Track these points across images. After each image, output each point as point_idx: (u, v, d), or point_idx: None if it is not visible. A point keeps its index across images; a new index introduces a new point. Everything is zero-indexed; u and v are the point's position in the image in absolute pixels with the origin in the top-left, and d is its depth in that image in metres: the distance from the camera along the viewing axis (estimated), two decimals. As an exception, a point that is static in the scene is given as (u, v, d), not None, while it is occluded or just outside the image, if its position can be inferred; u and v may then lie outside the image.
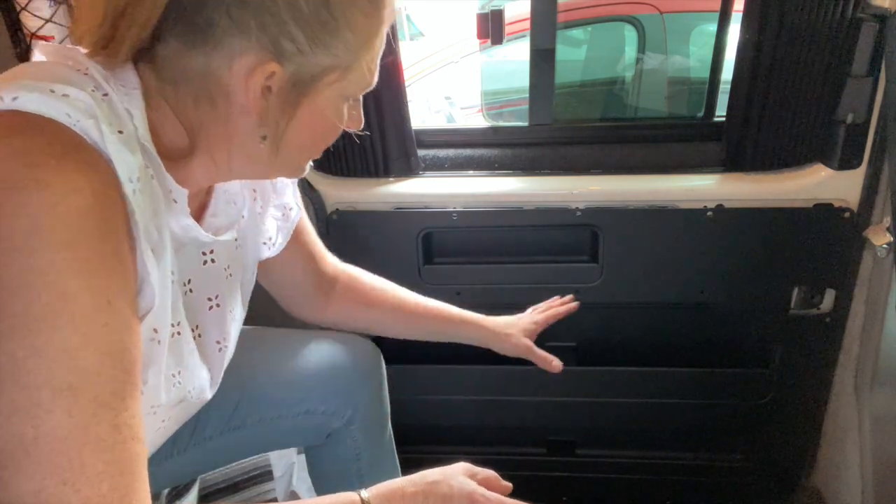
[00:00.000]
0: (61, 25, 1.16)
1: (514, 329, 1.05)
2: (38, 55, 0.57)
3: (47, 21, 1.14)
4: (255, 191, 0.78)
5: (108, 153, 0.50)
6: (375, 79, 0.62)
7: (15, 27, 1.18)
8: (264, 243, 0.81)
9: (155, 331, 0.58)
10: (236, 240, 0.76)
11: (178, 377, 0.65)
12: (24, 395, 0.43)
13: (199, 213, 0.69)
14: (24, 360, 0.43)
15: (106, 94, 0.52)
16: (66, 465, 0.44)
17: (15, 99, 0.47)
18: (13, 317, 0.43)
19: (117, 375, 0.48)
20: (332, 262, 0.99)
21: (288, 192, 0.83)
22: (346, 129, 0.65)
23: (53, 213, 0.45)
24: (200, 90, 0.56)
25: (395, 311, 1.01)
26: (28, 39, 1.17)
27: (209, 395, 0.74)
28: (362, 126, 0.67)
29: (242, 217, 0.76)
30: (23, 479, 0.43)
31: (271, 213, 0.82)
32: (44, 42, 0.58)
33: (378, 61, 0.62)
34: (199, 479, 1.23)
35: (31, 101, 0.48)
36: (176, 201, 0.59)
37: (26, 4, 1.13)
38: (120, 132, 0.52)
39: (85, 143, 0.49)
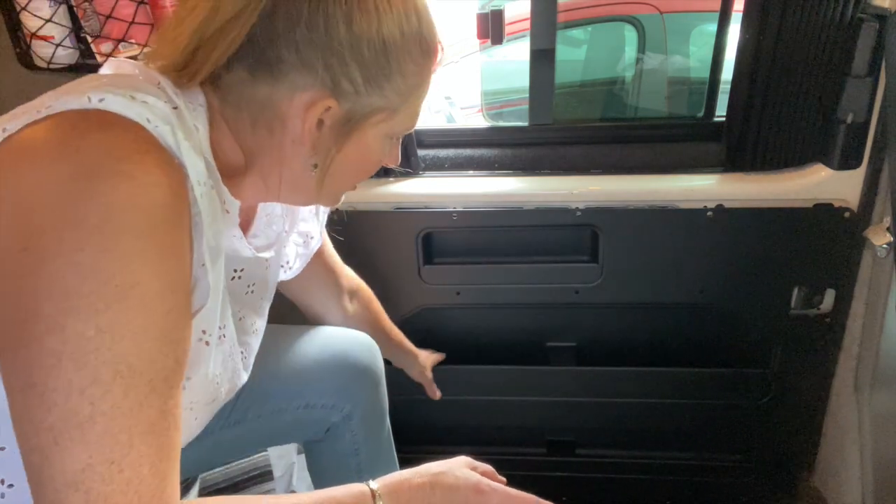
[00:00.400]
0: (61, 25, 1.16)
1: (427, 363, 1.24)
2: (106, 69, 0.61)
3: (47, 21, 1.14)
4: (285, 216, 0.82)
5: (181, 157, 0.53)
6: (417, 123, 0.68)
7: (15, 27, 1.18)
8: (282, 266, 0.85)
9: (204, 331, 0.60)
10: (267, 259, 0.79)
11: (217, 377, 0.68)
12: (85, 374, 0.45)
13: (242, 232, 0.72)
14: (90, 339, 0.45)
15: (176, 108, 0.56)
16: (114, 444, 0.45)
17: (102, 100, 0.50)
18: (84, 296, 0.45)
19: (170, 364, 0.50)
20: (349, 275, 1.06)
21: (313, 221, 0.89)
22: (385, 165, 0.71)
23: (134, 203, 0.47)
24: (260, 116, 0.60)
25: (385, 334, 1.12)
26: (28, 39, 1.17)
27: (235, 391, 0.77)
28: (399, 163, 0.72)
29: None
30: (70, 456, 0.44)
31: (293, 238, 0.86)
32: (113, 58, 0.64)
33: (422, 106, 0.67)
34: (200, 479, 1.23)
35: (116, 104, 0.51)
36: (228, 212, 0.63)
37: (26, 4, 1.13)
38: (188, 141, 0.55)
39: (161, 147, 0.52)
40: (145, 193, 0.48)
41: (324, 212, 0.92)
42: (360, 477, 1.00)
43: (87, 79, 0.56)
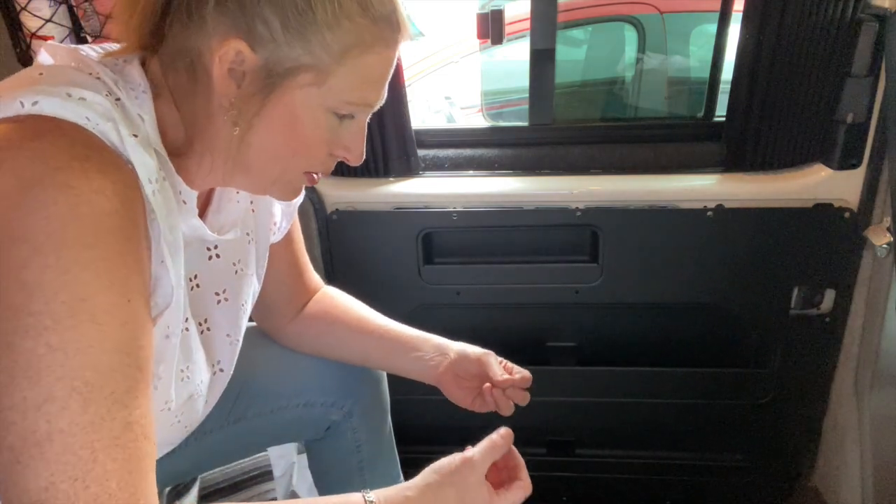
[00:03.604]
0: (61, 25, 1.16)
1: (447, 357, 0.89)
2: (44, 55, 0.58)
3: (47, 21, 1.14)
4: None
5: (128, 155, 0.51)
6: (372, 101, 0.61)
7: (15, 27, 1.18)
8: (270, 229, 0.82)
9: (168, 326, 0.59)
10: (248, 234, 0.77)
11: (186, 372, 0.66)
12: (39, 391, 0.44)
13: (202, 210, 0.70)
14: (42, 357, 0.44)
15: (118, 99, 0.53)
16: (76, 461, 0.44)
17: (35, 104, 0.48)
18: (33, 315, 0.44)
19: (132, 373, 0.48)
20: (314, 279, 0.95)
21: None
22: (341, 157, 0.63)
23: (76, 214, 0.46)
24: (192, 71, 0.56)
25: (356, 327, 0.92)
26: (28, 39, 1.17)
27: (217, 384, 0.75)
28: (361, 160, 0.64)
29: (252, 211, 0.77)
30: (33, 475, 0.44)
31: None
32: (49, 42, 0.58)
33: (379, 86, 0.60)
34: (200, 479, 1.23)
35: (51, 105, 0.48)
36: (185, 202, 0.60)
37: (26, 4, 1.13)
38: (135, 136, 0.53)
39: (105, 146, 0.50)
40: (87, 203, 0.46)
41: None
42: (362, 475, 0.99)
43: (22, 75, 0.53)
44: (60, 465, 0.44)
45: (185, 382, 0.66)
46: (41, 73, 0.53)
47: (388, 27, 0.57)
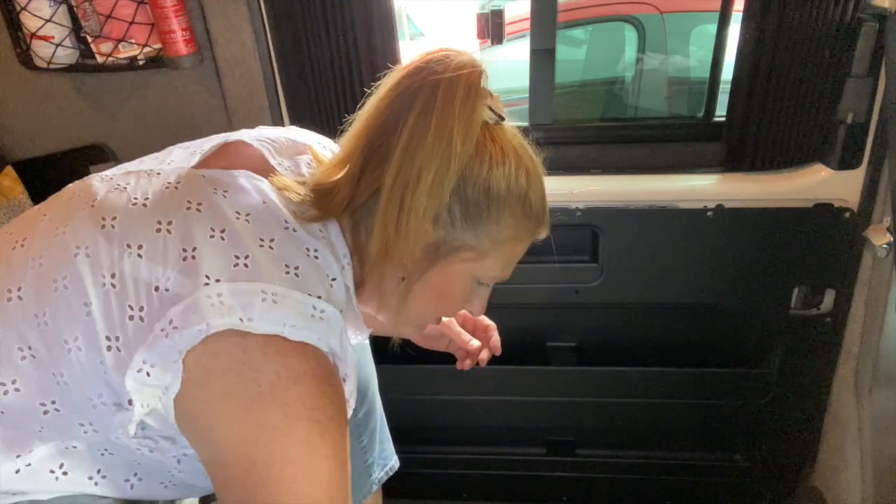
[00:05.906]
0: (61, 25, 1.16)
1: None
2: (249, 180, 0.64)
3: (47, 21, 1.14)
4: None
5: (343, 359, 0.62)
6: (506, 276, 0.74)
7: (15, 27, 1.18)
8: None
9: None
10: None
11: None
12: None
13: None
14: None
15: (334, 279, 0.62)
16: None
17: (294, 327, 0.56)
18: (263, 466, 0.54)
19: (343, 498, 0.58)
20: None
21: None
22: (470, 311, 0.77)
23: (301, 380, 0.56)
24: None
25: None
26: (28, 39, 1.17)
27: None
28: (482, 313, 0.78)
29: None
30: None
31: None
32: (246, 174, 0.67)
33: (514, 265, 0.73)
34: (200, 479, 1.22)
35: (299, 333, 0.56)
36: (359, 336, 0.73)
37: (26, 4, 1.13)
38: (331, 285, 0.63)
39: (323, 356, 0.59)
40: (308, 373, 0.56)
41: None
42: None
43: (254, 229, 0.59)
44: None
45: None
46: (272, 247, 0.59)
47: (537, 225, 0.70)
